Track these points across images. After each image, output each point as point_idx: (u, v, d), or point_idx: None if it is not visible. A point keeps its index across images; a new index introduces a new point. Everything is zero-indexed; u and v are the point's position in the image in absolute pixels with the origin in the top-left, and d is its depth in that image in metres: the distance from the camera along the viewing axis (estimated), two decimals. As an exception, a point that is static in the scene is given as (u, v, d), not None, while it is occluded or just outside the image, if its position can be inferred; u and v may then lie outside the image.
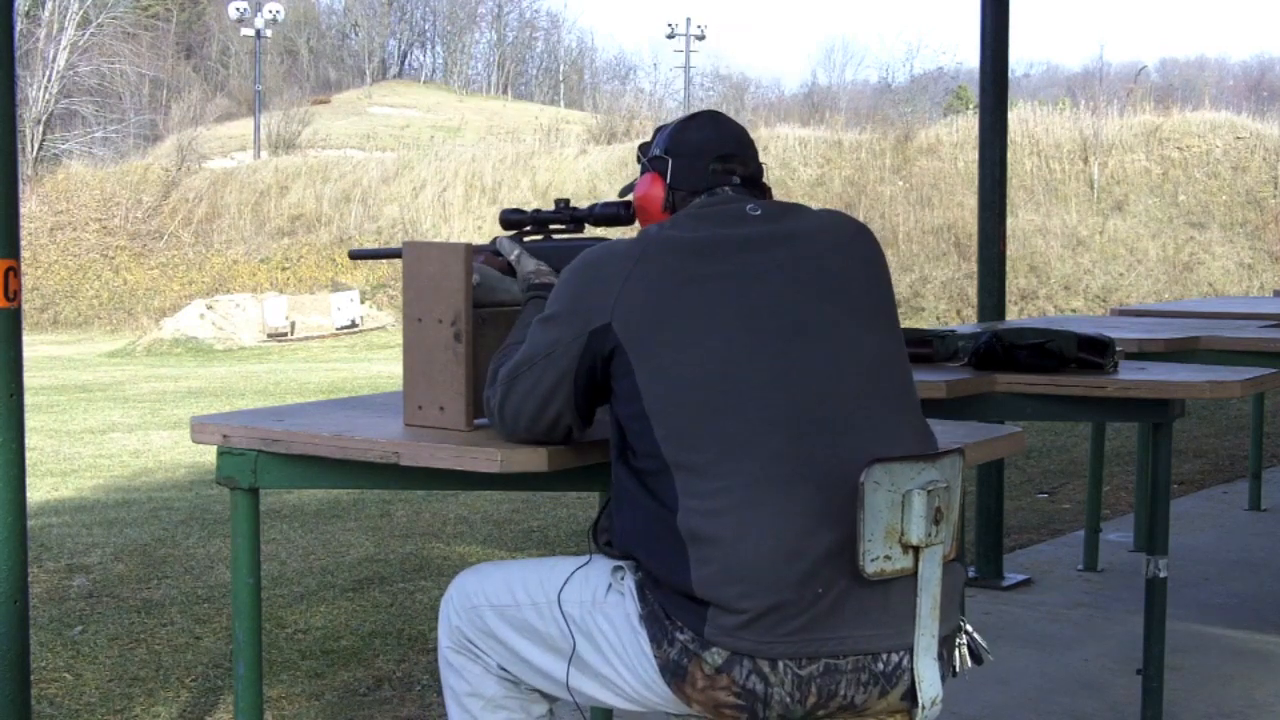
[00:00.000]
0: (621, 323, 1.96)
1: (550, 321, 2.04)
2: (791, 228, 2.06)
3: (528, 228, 2.50)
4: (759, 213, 2.07)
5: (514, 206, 2.50)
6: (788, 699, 1.86)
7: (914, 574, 1.89)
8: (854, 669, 1.88)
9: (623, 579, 1.99)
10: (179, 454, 8.76)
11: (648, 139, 2.32)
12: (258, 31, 37.80)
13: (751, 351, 1.94)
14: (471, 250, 2.30)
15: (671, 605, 1.90)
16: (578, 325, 2.00)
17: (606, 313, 1.97)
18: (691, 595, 1.87)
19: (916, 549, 1.88)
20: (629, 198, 2.33)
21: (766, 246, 2.02)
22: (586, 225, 2.49)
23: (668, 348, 1.94)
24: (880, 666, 1.90)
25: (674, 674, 1.89)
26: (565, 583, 2.03)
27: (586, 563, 2.05)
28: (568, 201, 2.53)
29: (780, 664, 1.85)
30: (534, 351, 2.05)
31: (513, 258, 2.40)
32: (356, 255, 2.83)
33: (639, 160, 2.29)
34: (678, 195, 2.18)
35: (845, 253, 2.05)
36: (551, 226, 2.50)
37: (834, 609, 1.87)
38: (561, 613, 2.01)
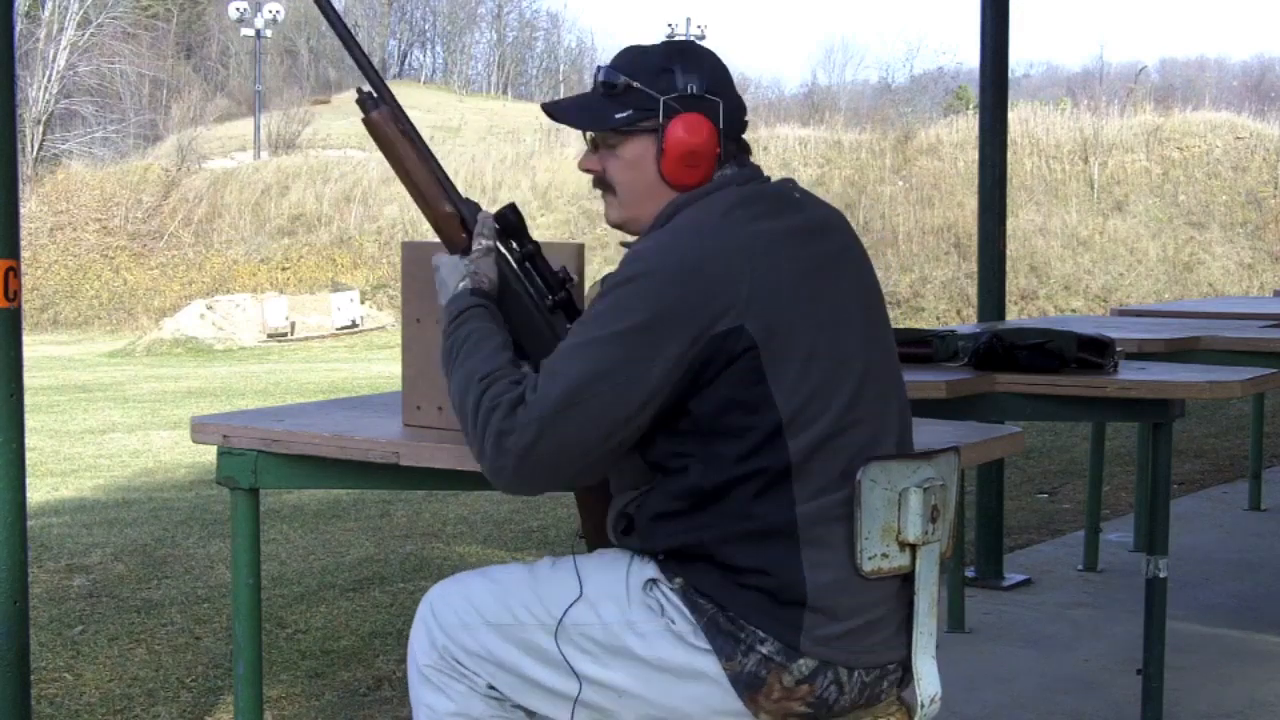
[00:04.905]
0: (756, 324, 1.77)
1: (638, 334, 1.76)
2: (820, 215, 1.93)
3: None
4: (799, 195, 1.91)
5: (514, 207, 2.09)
6: (847, 706, 1.84)
7: (911, 572, 1.89)
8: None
9: (653, 590, 1.85)
10: (179, 454, 8.75)
11: (606, 63, 1.89)
12: (258, 31, 37.76)
13: (851, 349, 1.86)
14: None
15: (753, 612, 1.80)
16: (690, 331, 1.76)
17: (735, 314, 1.76)
18: (789, 601, 1.79)
19: (914, 547, 1.88)
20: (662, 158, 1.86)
21: (823, 234, 1.90)
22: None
23: (801, 349, 1.80)
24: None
25: (748, 685, 1.80)
26: (572, 605, 1.88)
27: (580, 575, 1.91)
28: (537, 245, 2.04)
29: (855, 673, 1.84)
30: (611, 367, 1.76)
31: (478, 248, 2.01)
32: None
33: (615, 89, 1.87)
34: (728, 148, 1.88)
35: (856, 242, 1.98)
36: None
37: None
38: (572, 634, 1.88)
